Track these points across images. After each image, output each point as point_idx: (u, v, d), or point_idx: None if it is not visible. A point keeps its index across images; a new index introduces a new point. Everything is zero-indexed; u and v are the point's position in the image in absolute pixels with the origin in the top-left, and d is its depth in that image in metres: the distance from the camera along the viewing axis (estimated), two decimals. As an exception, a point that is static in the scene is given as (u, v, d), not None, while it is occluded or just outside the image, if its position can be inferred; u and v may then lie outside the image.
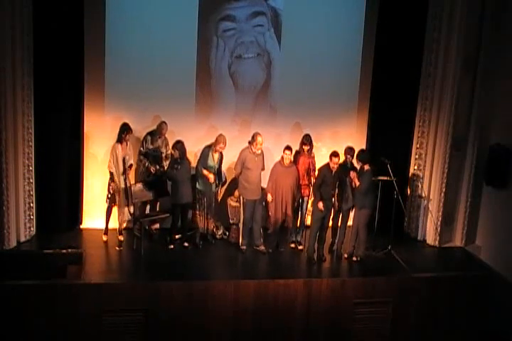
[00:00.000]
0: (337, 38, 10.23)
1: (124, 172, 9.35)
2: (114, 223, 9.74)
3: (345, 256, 9.50)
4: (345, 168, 9.33)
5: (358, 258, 9.43)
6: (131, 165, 9.52)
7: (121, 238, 9.55)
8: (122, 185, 9.39)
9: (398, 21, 9.97)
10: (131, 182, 9.51)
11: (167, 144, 9.74)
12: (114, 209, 9.60)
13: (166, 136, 9.73)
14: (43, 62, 9.22)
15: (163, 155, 9.73)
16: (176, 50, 9.84)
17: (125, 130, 9.37)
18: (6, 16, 8.55)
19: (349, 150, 9.48)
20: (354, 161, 9.49)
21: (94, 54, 9.59)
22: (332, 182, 9.08)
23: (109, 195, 9.50)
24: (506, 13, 9.40)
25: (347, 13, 10.20)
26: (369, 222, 9.44)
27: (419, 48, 9.96)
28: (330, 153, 9.13)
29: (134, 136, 9.93)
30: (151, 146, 9.63)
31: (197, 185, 9.57)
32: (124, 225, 9.70)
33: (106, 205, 9.62)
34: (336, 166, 9.03)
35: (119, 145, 9.37)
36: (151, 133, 9.70)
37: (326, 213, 9.21)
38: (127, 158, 9.43)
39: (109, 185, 9.48)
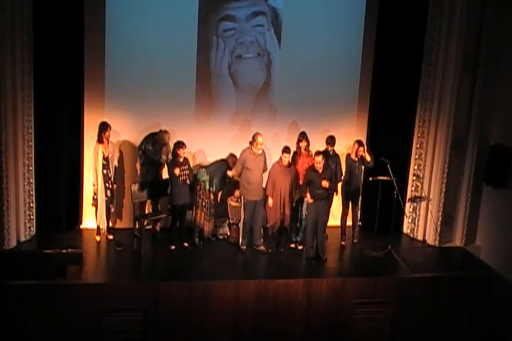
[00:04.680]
0: (337, 38, 10.21)
1: (106, 172, 9.36)
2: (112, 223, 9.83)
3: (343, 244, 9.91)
4: (328, 155, 9.44)
5: (344, 243, 9.90)
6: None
7: (110, 237, 9.64)
8: (101, 185, 9.39)
9: (398, 21, 9.96)
10: (114, 182, 9.57)
11: (169, 152, 9.61)
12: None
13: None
14: (43, 62, 9.22)
15: (162, 160, 9.65)
16: (175, 50, 9.83)
17: (104, 128, 9.32)
18: (6, 16, 8.55)
19: (330, 139, 9.67)
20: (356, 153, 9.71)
21: (94, 54, 9.58)
22: (319, 182, 9.03)
23: (95, 196, 9.52)
24: (506, 13, 9.40)
25: (347, 13, 10.18)
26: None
27: (419, 48, 9.96)
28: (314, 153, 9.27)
29: (136, 136, 9.95)
30: (150, 148, 9.59)
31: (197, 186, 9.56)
32: (110, 224, 9.78)
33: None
34: (320, 165, 9.03)
35: (100, 145, 9.36)
36: (153, 136, 9.59)
37: (319, 213, 9.21)
38: (110, 156, 9.45)
39: (93, 185, 9.51)
